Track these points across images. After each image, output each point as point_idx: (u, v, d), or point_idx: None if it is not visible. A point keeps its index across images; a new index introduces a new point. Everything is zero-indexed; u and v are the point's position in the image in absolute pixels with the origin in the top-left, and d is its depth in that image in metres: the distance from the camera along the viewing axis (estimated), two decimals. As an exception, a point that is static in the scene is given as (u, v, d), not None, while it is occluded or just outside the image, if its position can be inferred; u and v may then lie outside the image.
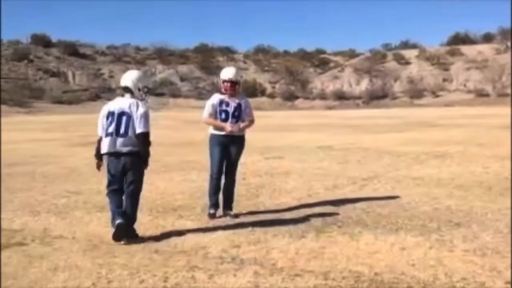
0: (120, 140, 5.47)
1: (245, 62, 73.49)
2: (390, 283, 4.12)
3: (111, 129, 5.50)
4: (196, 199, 7.72)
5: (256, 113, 7.12)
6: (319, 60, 73.56)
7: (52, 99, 54.93)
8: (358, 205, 7.03)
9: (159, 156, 12.96)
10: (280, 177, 9.60)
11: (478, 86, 56.96)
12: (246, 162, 11.60)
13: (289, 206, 7.09)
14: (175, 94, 63.55)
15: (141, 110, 5.48)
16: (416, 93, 58.24)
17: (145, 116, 5.47)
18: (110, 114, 5.55)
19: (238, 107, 6.61)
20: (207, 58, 70.83)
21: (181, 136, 20.22)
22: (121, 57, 70.58)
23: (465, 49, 64.77)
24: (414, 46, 70.17)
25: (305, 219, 6.32)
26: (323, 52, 77.31)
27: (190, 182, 9.20)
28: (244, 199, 7.64)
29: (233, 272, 4.49)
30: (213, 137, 6.67)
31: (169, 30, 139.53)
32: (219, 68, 62.17)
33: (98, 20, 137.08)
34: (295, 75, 67.11)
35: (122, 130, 5.46)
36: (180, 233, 5.83)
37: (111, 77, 65.94)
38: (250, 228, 5.93)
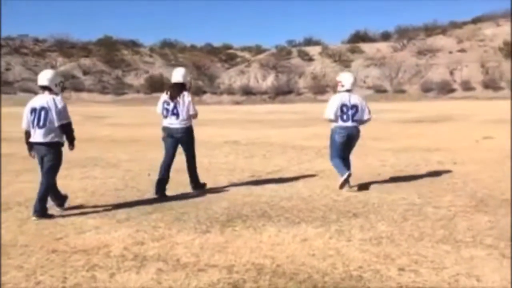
0: (40, 131, 6.36)
1: (151, 56, 72.21)
2: (291, 274, 4.23)
3: (34, 122, 6.39)
4: (98, 196, 7.53)
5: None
6: (226, 55, 73.78)
7: None
8: (263, 198, 7.14)
9: (60, 152, 12.48)
10: (186, 172, 9.53)
11: (376, 82, 59.60)
12: (152, 158, 11.44)
13: (194, 201, 7.07)
14: (78, 88, 61.32)
15: (60, 105, 6.39)
16: (319, 89, 59.99)
17: (64, 110, 6.44)
18: (33, 110, 6.42)
19: None
20: (111, 51, 68.86)
21: (82, 131, 19.54)
22: (19, 49, 67.02)
23: (364, 46, 67.50)
24: (317, 43, 72.16)
25: (210, 213, 6.33)
26: (230, 47, 77.61)
27: (92, 179, 8.94)
28: (149, 195, 7.53)
29: (135, 270, 4.41)
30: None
31: (70, 22, 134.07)
32: (124, 61, 60.13)
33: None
34: (203, 70, 66.93)
35: (41, 123, 6.34)
36: (80, 232, 5.64)
37: (8, 69, 62.48)
38: (154, 224, 5.86)
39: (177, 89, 7.64)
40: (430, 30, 66.36)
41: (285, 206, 6.65)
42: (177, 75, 7.73)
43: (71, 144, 6.60)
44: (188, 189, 7.94)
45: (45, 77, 6.49)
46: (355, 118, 7.77)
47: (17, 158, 11.92)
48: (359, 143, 13.53)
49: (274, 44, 77.46)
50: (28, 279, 4.24)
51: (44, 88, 6.45)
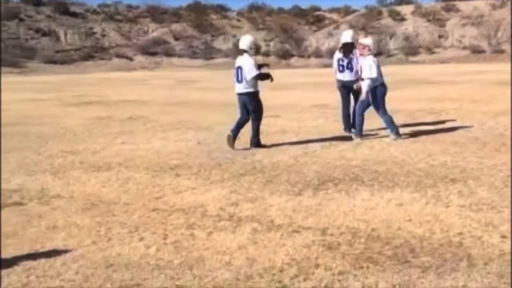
0: (240, 85, 8.29)
1: (239, 20, 72.42)
2: (387, 238, 4.17)
3: (236, 78, 8.32)
4: (193, 158, 7.74)
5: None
6: (314, 17, 72.50)
7: (44, 58, 54.23)
8: (354, 162, 7.06)
9: (155, 115, 12.94)
10: (276, 135, 9.61)
11: (473, 42, 56.51)
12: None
13: (285, 164, 7.11)
14: (169, 53, 62.73)
15: (249, 62, 8.19)
16: (411, 50, 57.70)
17: (252, 66, 8.16)
18: (236, 68, 8.32)
19: None
20: (200, 16, 69.71)
21: (175, 95, 20.11)
22: (113, 16, 69.40)
23: (460, 4, 63.96)
24: (409, 2, 69.20)
25: (302, 177, 6.35)
26: (318, 9, 76.12)
27: (186, 142, 9.20)
28: (241, 157, 7.66)
29: (231, 229, 4.53)
30: None
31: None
32: (213, 26, 60.86)
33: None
34: (290, 33, 66.34)
35: (239, 78, 8.23)
36: (178, 192, 5.86)
37: (103, 35, 65.00)
38: (247, 186, 5.97)
39: (349, 48, 9.29)
40: (533, -15, 61.72)
41: (378, 170, 6.53)
42: (347, 36, 9.45)
43: (267, 78, 8.37)
44: (278, 154, 8.00)
45: (244, 42, 8.39)
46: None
47: (114, 121, 12.49)
48: (455, 107, 13.06)
49: (364, 4, 75.21)
50: (132, 235, 4.47)
51: (243, 51, 8.31)
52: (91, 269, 3.77)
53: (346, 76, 9.31)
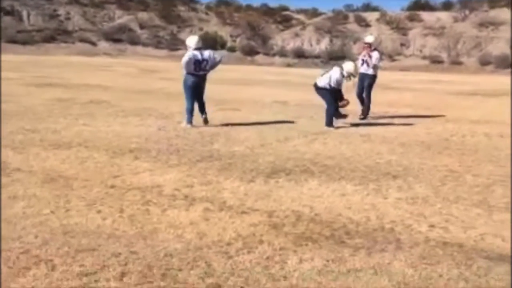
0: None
1: (207, 14, 72.34)
2: (328, 222, 4.55)
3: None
4: (152, 143, 7.98)
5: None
6: (282, 17, 73.06)
7: (6, 38, 53.03)
8: (307, 156, 7.44)
9: (116, 101, 13.08)
10: (234, 127, 9.91)
11: (433, 52, 58.08)
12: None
13: (241, 154, 7.44)
14: (134, 42, 62.16)
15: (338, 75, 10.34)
16: (374, 56, 58.77)
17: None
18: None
19: None
20: (168, 7, 69.33)
21: (139, 83, 20.18)
22: (79, -1, 68.32)
23: (424, 15, 65.59)
24: (375, 9, 70.59)
25: (256, 166, 6.69)
26: (286, 9, 76.76)
27: (146, 127, 9.42)
28: (199, 145, 7.94)
29: (184, 207, 4.83)
30: None
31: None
32: (180, 17, 60.34)
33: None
34: (257, 30, 66.68)
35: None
36: (136, 172, 6.11)
37: (67, 19, 63.93)
38: (203, 172, 6.27)
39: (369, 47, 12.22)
40: (494, 1, 63.74)
41: (328, 164, 6.93)
42: (369, 38, 12.73)
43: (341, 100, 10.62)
44: (236, 144, 8.32)
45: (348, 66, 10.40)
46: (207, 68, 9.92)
47: (75, 103, 12.59)
48: (410, 111, 13.62)
49: (331, 8, 76.18)
50: (90, 208, 4.72)
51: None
52: (50, 235, 4.01)
53: (363, 69, 12.04)
